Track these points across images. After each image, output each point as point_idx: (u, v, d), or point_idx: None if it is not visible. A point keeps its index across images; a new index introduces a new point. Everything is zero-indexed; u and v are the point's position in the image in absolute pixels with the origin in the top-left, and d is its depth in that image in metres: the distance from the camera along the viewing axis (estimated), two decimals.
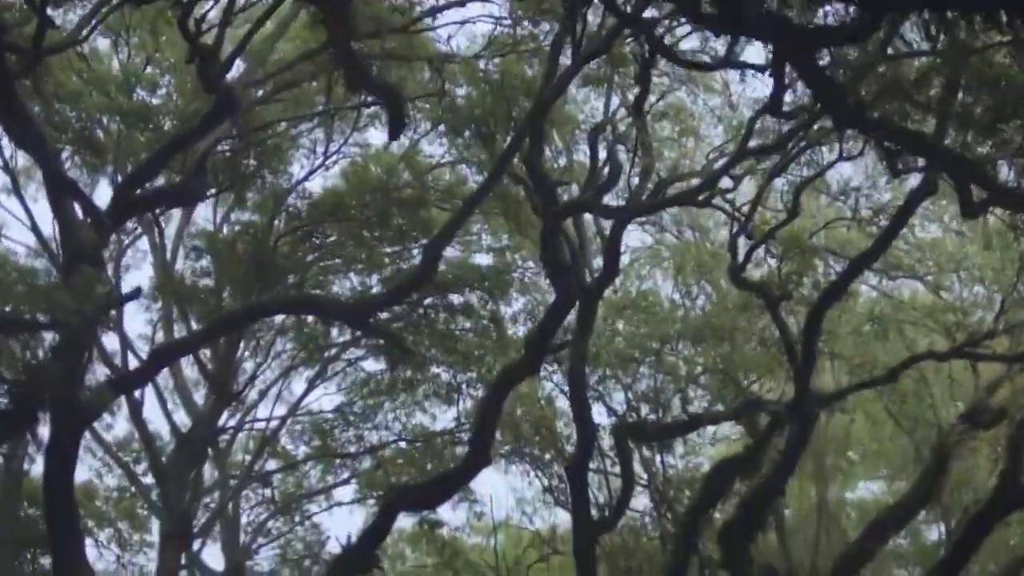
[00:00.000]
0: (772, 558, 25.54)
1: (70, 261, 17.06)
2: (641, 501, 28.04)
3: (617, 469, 23.54)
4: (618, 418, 22.67)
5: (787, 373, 19.54)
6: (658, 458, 24.90)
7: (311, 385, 29.82)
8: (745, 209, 18.94)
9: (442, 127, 23.51)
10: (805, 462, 23.33)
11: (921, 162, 14.91)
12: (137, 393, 25.29)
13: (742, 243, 19.19)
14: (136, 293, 19.01)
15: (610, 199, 19.20)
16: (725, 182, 19.42)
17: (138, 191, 19.56)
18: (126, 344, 25.27)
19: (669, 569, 22.34)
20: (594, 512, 23.04)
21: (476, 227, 26.40)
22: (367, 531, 20.04)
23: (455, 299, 24.74)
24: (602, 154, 18.01)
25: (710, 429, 23.70)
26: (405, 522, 33.96)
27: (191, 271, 25.26)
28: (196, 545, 30.09)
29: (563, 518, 32.71)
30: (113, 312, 25.88)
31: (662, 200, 18.32)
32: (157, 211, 24.80)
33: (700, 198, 18.91)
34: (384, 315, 24.38)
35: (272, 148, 23.57)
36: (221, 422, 27.79)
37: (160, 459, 25.12)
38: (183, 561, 24.84)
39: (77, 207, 18.46)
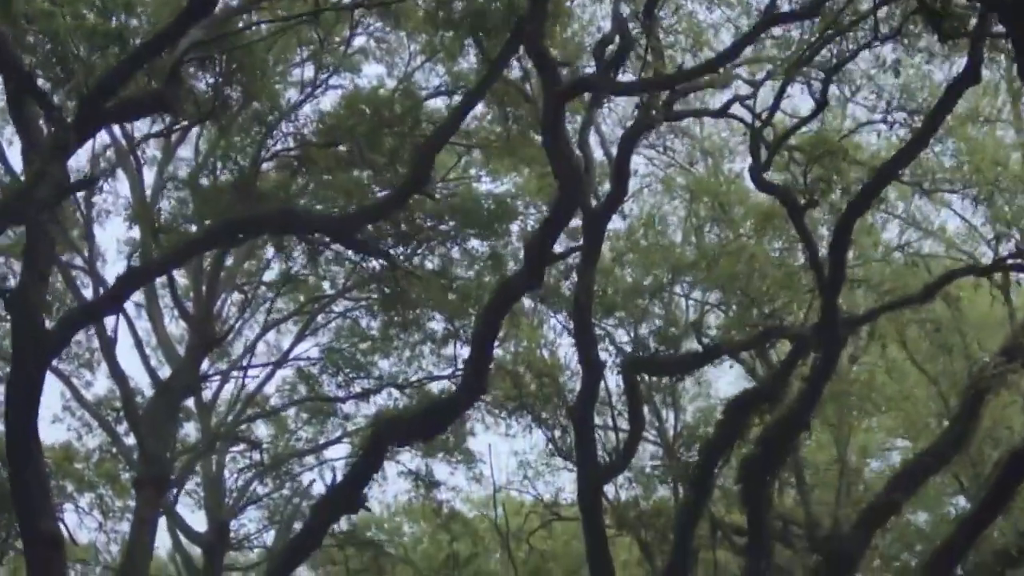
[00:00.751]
0: (791, 512, 23.94)
1: (27, 156, 15.49)
2: (650, 452, 26.54)
3: (624, 426, 22.04)
4: (626, 355, 21.00)
5: (811, 297, 17.92)
6: (670, 415, 23.35)
7: (299, 337, 28.26)
8: (765, 116, 17.35)
9: (440, 54, 22.12)
10: (825, 407, 21.71)
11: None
12: (112, 334, 23.86)
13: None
14: (91, 181, 17.38)
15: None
16: (743, 89, 17.89)
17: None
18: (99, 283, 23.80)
19: (679, 520, 20.74)
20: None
21: (474, 169, 24.93)
22: (353, 468, 18.44)
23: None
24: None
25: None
26: (399, 487, 32.89)
27: (171, 204, 23.80)
28: (176, 503, 28.75)
29: (568, 480, 31.17)
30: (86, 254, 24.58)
31: (678, 74, 16.66)
32: (133, 137, 23.36)
33: (716, 108, 17.38)
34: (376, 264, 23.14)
35: (259, 77, 22.05)
36: (204, 372, 26.28)
37: (138, 412, 23.48)
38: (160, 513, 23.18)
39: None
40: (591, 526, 20.83)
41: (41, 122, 17.50)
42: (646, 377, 21.95)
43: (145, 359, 24.83)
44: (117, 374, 23.24)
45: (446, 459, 30.47)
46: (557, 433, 25.21)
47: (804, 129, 17.14)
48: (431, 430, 17.95)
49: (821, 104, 15.96)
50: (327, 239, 22.36)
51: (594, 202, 19.82)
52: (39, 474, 15.37)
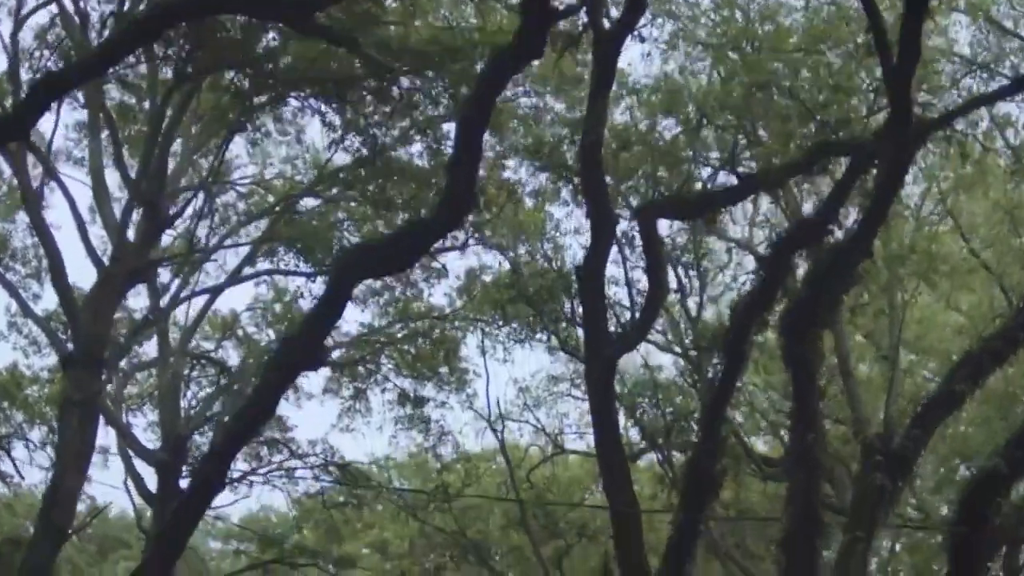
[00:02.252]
0: (837, 409, 20.56)
1: None
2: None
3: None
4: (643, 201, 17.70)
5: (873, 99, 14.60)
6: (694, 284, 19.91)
7: (266, 237, 24.73)
8: None
9: None
10: (879, 277, 18.38)
11: None
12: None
13: None
14: None
15: None
16: None
17: None
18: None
19: (709, 400, 17.42)
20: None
21: None
22: (312, 313, 15.11)
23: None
24: None
25: None
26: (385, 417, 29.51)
27: None
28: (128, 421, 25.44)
29: (572, 408, 27.86)
30: None
31: None
32: None
33: None
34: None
35: None
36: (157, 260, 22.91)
37: (70, 286, 20.09)
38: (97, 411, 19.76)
39: None
40: (602, 409, 17.55)
41: None
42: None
43: (88, 243, 21.39)
44: (41, 232, 19.84)
45: (437, 384, 27.29)
46: (562, 326, 21.90)
47: None
48: (405, 258, 14.56)
49: None
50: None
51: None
52: None
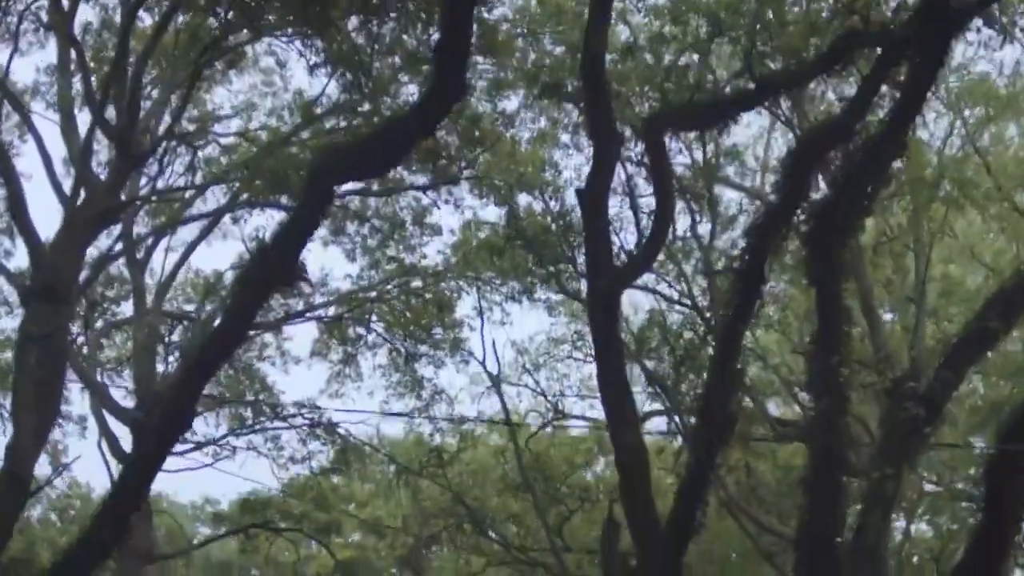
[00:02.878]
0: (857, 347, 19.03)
1: None
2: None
3: None
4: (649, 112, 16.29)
5: None
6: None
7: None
8: None
9: None
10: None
11: None
12: None
13: None
14: None
15: None
16: None
17: None
18: None
19: (721, 335, 15.97)
20: None
21: None
22: (288, 223, 13.66)
23: None
24: None
25: None
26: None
27: None
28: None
29: (572, 369, 26.46)
30: None
31: None
32: None
33: None
34: None
35: None
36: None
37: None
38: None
39: None
40: (605, 342, 16.12)
41: None
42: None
43: (53, 178, 19.97)
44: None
45: (431, 345, 25.84)
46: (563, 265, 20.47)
47: None
48: (389, 155, 13.11)
49: None
50: None
51: None
52: None
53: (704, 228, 19.93)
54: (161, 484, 36.62)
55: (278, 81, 24.17)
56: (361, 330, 26.11)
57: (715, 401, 15.31)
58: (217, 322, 14.19)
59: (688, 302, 21.91)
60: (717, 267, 18.99)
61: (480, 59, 18.86)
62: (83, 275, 19.96)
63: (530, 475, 24.06)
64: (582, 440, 25.82)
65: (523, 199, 21.99)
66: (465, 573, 27.24)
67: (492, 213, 23.41)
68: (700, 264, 19.47)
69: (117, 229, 22.70)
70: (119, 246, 22.48)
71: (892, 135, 12.92)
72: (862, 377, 17.11)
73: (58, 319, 17.17)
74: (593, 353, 16.90)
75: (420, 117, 12.75)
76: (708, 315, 20.95)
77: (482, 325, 24.17)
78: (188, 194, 23.18)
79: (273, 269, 13.42)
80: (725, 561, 24.46)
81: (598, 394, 25.94)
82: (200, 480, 43.09)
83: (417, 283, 25.64)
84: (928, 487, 31.03)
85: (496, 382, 24.56)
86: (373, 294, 25.39)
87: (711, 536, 22.41)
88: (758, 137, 23.02)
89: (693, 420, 17.25)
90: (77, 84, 20.42)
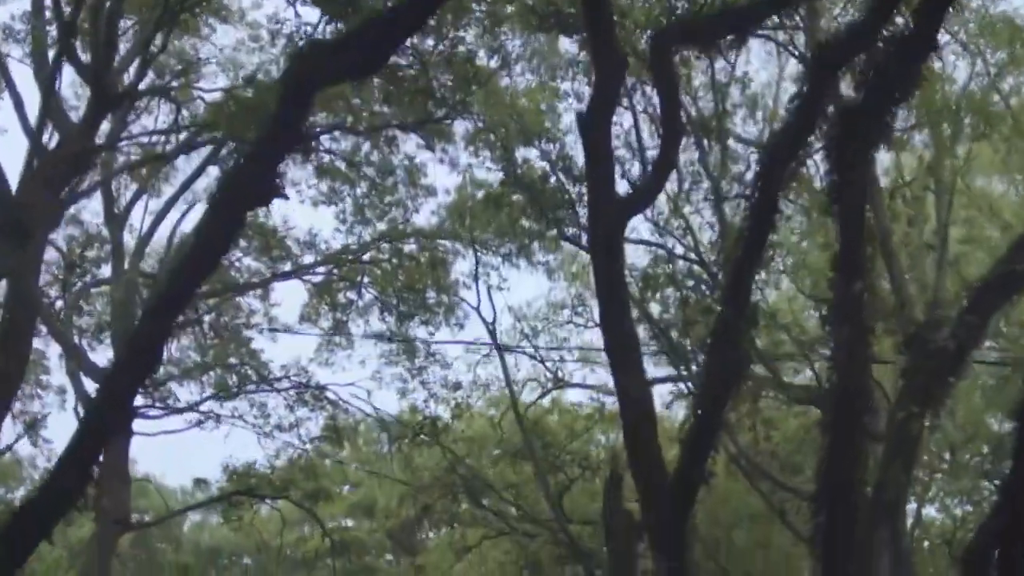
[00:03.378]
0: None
1: None
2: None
3: None
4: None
5: None
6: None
7: None
8: None
9: None
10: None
11: None
12: None
13: None
14: None
15: None
16: None
17: None
18: None
19: (733, 264, 14.84)
20: None
21: None
22: (264, 134, 12.57)
23: None
24: None
25: None
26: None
27: None
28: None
29: (572, 333, 25.36)
30: None
31: None
32: None
33: None
34: None
35: None
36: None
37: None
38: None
39: None
40: (608, 281, 15.02)
41: None
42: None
43: (24, 119, 18.88)
44: None
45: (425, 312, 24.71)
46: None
47: None
48: (374, 54, 11.99)
49: None
50: None
51: None
52: None
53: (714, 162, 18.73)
54: (150, 466, 35.54)
55: (264, 36, 23.15)
56: (352, 295, 25.06)
57: (726, 339, 14.22)
58: (194, 241, 12.99)
59: (695, 257, 20.84)
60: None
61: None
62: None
63: (530, 440, 22.94)
64: (582, 407, 24.74)
65: (521, 156, 21.03)
66: (460, 547, 26.13)
67: (490, 176, 22.50)
68: (709, 194, 18.30)
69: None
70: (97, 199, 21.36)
71: (922, 30, 11.81)
72: (883, 321, 16.03)
73: (26, 259, 16.08)
74: (596, 300, 15.80)
75: (407, 9, 11.65)
76: (716, 271, 19.92)
77: (477, 283, 22.98)
78: (169, 148, 22.07)
79: (248, 185, 12.35)
80: (734, 523, 23.30)
81: (599, 358, 25.14)
82: (190, 463, 41.97)
83: (411, 246, 24.64)
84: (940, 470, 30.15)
85: (494, 335, 23.41)
86: (365, 257, 24.30)
87: (719, 497, 21.37)
88: (767, 86, 21.98)
89: (701, 365, 16.11)
90: (54, 33, 19.47)
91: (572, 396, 25.50)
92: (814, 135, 13.43)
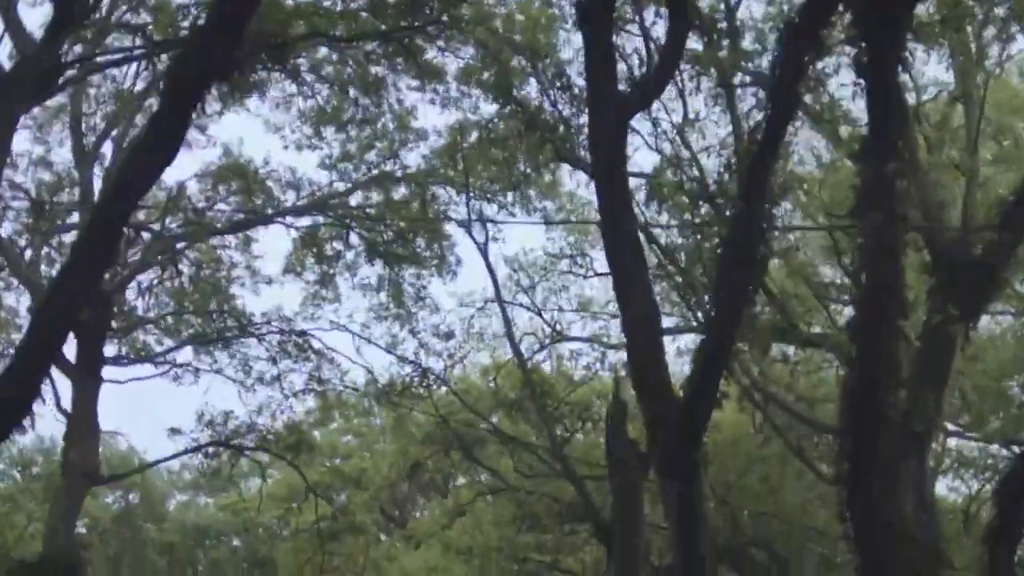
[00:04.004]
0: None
1: None
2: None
3: None
4: None
5: None
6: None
7: None
8: None
9: None
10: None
11: None
12: None
13: None
14: None
15: None
16: None
17: None
18: None
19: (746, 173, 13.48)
20: None
21: None
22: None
23: None
24: None
25: None
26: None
27: None
28: None
29: (570, 282, 24.02)
30: None
31: None
32: None
33: None
34: None
35: None
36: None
37: None
38: None
39: None
40: (611, 185, 13.69)
41: None
42: None
43: None
44: None
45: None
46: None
47: None
48: None
49: None
50: None
51: None
52: None
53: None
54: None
55: None
56: (339, 245, 23.69)
57: (740, 241, 12.86)
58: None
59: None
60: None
61: None
62: None
63: (533, 387, 21.59)
64: (582, 354, 23.31)
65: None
66: (454, 511, 24.74)
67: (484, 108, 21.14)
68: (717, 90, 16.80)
69: None
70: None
71: None
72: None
73: None
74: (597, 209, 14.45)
75: None
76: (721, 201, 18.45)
77: (469, 216, 21.57)
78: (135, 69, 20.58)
79: (209, 58, 11.01)
80: (746, 468, 21.83)
81: (599, 309, 23.79)
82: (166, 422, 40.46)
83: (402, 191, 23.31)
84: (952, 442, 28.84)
85: (495, 281, 22.07)
86: (352, 202, 22.95)
87: (729, 440, 20.08)
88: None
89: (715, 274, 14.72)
90: None
91: (572, 348, 24.01)
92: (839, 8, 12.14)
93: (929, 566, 13.90)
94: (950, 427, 27.21)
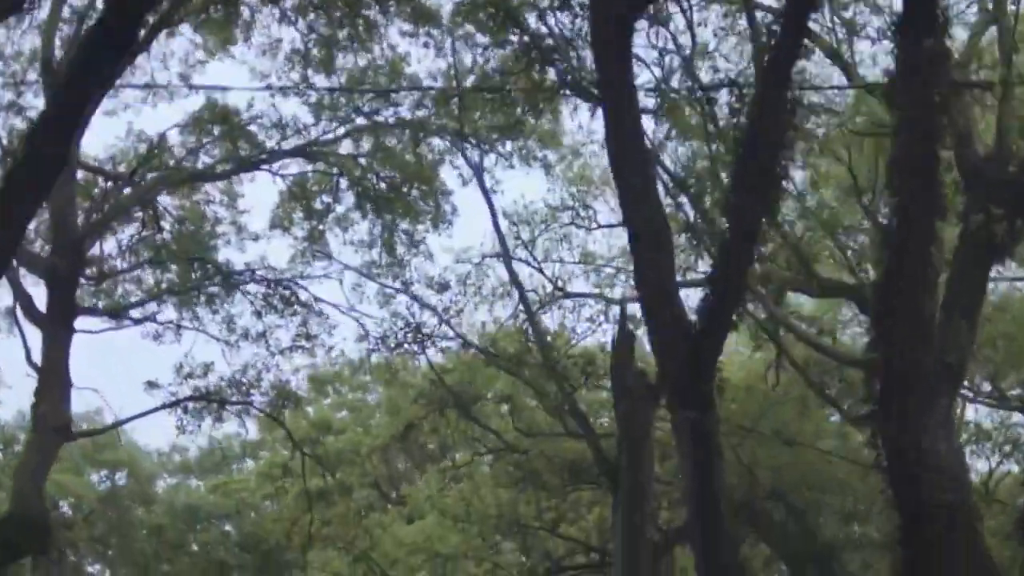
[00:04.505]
0: None
1: None
2: None
3: None
4: None
5: None
6: None
7: None
8: None
9: None
10: None
11: None
12: None
13: None
14: None
15: None
16: None
17: None
18: None
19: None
20: None
21: None
22: None
23: None
24: None
25: None
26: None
27: None
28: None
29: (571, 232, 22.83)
30: None
31: None
32: None
33: None
34: None
35: None
36: None
37: None
38: None
39: None
40: (614, 90, 12.55)
41: None
42: None
43: None
44: None
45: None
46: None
47: None
48: None
49: None
50: None
51: None
52: None
53: None
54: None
55: None
56: (328, 198, 22.49)
57: (753, 168, 11.65)
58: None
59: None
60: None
61: None
62: None
63: (541, 337, 20.44)
64: (584, 305, 22.03)
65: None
66: (451, 475, 23.54)
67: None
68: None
69: None
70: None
71: None
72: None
73: None
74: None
75: None
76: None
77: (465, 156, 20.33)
78: None
79: None
80: (760, 413, 20.56)
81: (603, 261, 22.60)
82: (169, 431, 39.23)
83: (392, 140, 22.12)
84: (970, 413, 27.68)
85: (499, 230, 20.92)
86: (342, 150, 21.73)
87: (745, 374, 18.90)
88: None
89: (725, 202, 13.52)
90: None
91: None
92: None
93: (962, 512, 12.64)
94: (968, 394, 26.27)
